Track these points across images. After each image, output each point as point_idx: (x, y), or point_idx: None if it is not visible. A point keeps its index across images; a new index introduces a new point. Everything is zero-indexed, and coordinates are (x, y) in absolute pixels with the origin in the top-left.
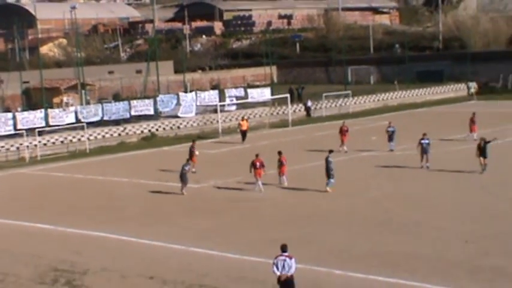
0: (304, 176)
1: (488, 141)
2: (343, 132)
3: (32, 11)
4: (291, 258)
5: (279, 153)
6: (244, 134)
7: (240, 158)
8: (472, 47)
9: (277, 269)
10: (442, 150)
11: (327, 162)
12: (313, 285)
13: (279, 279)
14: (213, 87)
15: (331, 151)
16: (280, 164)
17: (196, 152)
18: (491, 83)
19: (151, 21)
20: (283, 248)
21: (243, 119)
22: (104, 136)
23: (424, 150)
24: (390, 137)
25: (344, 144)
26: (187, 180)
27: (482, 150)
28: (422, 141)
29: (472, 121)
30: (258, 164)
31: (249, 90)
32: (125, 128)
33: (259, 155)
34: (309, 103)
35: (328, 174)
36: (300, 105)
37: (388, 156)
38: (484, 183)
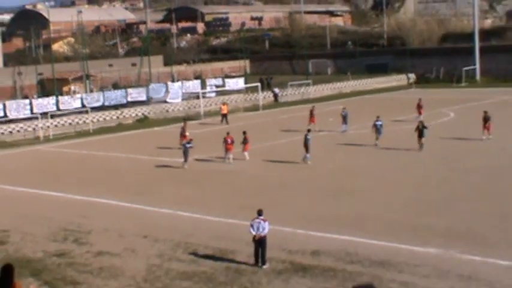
0: (272, 151)
1: (425, 127)
2: (312, 114)
3: (45, 15)
4: (265, 221)
5: (244, 132)
6: (224, 116)
7: (219, 137)
8: (410, 44)
9: (253, 229)
10: (389, 130)
11: (306, 139)
12: (281, 242)
13: (254, 238)
14: (196, 78)
15: (309, 130)
16: (245, 141)
17: (187, 133)
18: (427, 74)
19: (145, 22)
20: (259, 212)
21: (224, 104)
22: (104, 119)
23: (377, 131)
24: (344, 119)
25: (312, 124)
26: (188, 156)
27: (420, 132)
28: (377, 122)
29: (419, 105)
30: (229, 140)
31: (226, 80)
32: (122, 112)
33: (229, 132)
34: (277, 90)
35: (307, 149)
36: (269, 92)
37: (342, 135)
38: (420, 158)
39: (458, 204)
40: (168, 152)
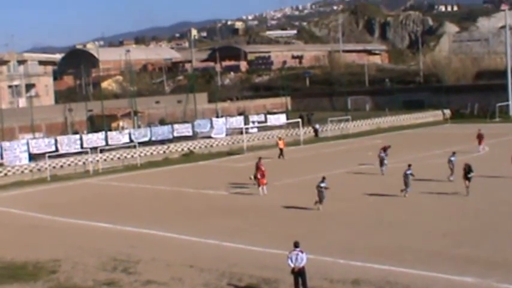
0: (314, 184)
1: (471, 170)
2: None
3: (95, 54)
4: (302, 252)
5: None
6: (281, 151)
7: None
8: (446, 81)
9: (291, 261)
10: (425, 163)
11: (405, 175)
12: (322, 271)
13: (293, 270)
14: (240, 114)
15: (409, 165)
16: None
17: (263, 168)
18: (461, 110)
19: (190, 61)
20: (296, 244)
21: (280, 139)
22: (152, 153)
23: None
24: (381, 161)
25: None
26: (324, 197)
27: (466, 174)
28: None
29: (480, 135)
30: (262, 168)
31: (268, 116)
32: (168, 147)
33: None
34: (317, 126)
35: (406, 183)
36: (309, 128)
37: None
38: (457, 190)
39: (495, 234)
40: (212, 185)
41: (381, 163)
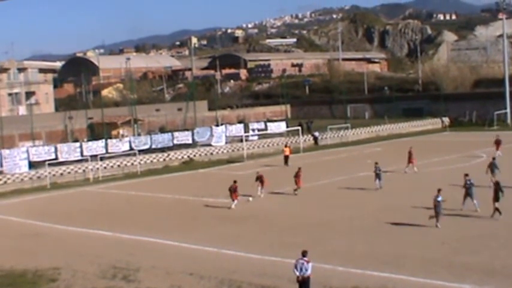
0: (313, 192)
1: (501, 189)
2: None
3: (95, 62)
4: (308, 262)
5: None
6: (286, 158)
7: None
8: (444, 89)
9: (297, 270)
10: (426, 171)
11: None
12: (321, 279)
13: (297, 278)
14: (239, 122)
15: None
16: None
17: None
18: (460, 118)
19: (190, 69)
20: (304, 254)
21: (286, 146)
22: (152, 161)
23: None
24: (378, 176)
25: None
26: (441, 212)
27: (496, 194)
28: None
29: (497, 141)
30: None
31: (268, 124)
32: (168, 154)
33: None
34: (317, 134)
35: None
36: (309, 136)
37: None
38: (455, 196)
39: (493, 241)
40: (212, 192)
41: (377, 176)
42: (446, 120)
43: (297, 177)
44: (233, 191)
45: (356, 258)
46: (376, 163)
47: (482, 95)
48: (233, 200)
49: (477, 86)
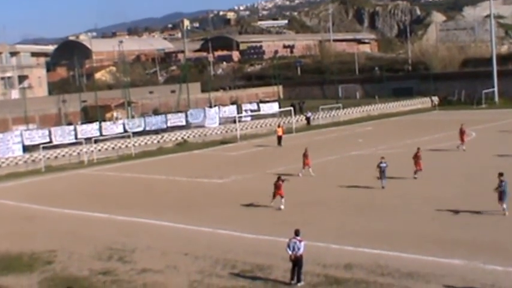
0: (306, 171)
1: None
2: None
3: (88, 45)
4: (301, 241)
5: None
6: (279, 138)
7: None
8: (433, 69)
9: (290, 249)
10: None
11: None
12: (315, 257)
13: (290, 257)
14: (232, 103)
15: (383, 157)
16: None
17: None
18: (449, 97)
19: (183, 51)
20: (296, 232)
21: (279, 126)
22: (146, 143)
23: (382, 173)
24: (383, 172)
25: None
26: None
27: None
28: (381, 164)
29: (462, 131)
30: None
31: (261, 105)
32: (162, 136)
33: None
34: (309, 114)
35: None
36: (301, 116)
37: (372, 155)
38: (445, 174)
39: (482, 217)
40: (206, 173)
41: (381, 174)
42: (435, 99)
43: (305, 156)
44: (278, 188)
45: (349, 236)
46: (382, 158)
47: (471, 74)
48: (274, 198)
49: (465, 65)
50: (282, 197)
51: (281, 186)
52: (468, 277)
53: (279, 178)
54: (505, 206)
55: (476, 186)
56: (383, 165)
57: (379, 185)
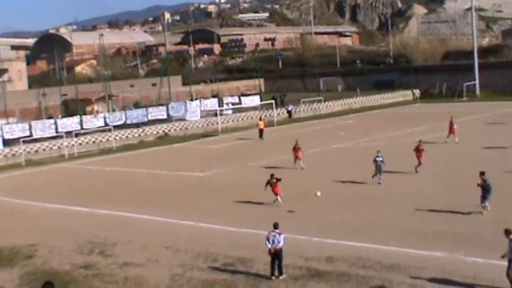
0: (287, 164)
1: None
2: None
3: (68, 38)
4: (280, 234)
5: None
6: (261, 131)
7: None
8: (414, 61)
9: (269, 242)
10: (399, 142)
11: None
12: (297, 249)
13: (269, 250)
14: (214, 96)
15: (378, 151)
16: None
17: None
18: (430, 90)
19: (163, 45)
20: (275, 226)
21: (260, 119)
22: (127, 136)
23: (378, 168)
24: (379, 168)
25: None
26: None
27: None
28: (377, 158)
29: (451, 124)
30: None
31: (242, 98)
32: (143, 130)
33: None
34: (290, 107)
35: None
36: (283, 109)
37: (352, 148)
38: (424, 169)
39: (462, 210)
40: (187, 166)
41: (378, 169)
42: (417, 92)
43: (295, 150)
44: (273, 185)
45: (330, 229)
46: (378, 151)
47: (452, 67)
48: (277, 195)
49: (446, 58)
50: (276, 194)
51: (276, 184)
52: (449, 269)
53: (272, 176)
54: (487, 203)
55: (460, 179)
56: (379, 159)
57: (360, 177)
